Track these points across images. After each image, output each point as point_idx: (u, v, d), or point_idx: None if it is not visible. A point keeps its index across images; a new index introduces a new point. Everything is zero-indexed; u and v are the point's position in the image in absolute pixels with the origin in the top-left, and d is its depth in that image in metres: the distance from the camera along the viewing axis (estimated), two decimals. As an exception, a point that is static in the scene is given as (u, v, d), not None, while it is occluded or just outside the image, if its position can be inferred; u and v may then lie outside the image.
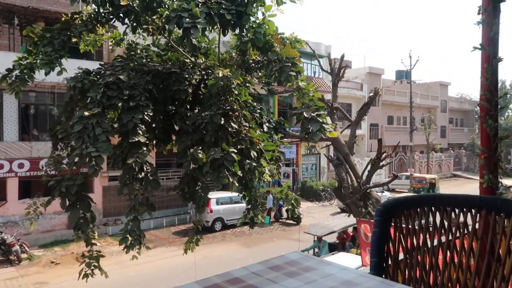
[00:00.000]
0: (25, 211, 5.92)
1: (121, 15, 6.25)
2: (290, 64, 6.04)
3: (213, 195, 18.45)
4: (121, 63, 6.32)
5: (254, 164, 5.96)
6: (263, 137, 6.41)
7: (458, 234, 1.63)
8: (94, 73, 6.29)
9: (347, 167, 10.13)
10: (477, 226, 1.62)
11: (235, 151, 5.47)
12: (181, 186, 6.37)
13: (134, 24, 6.61)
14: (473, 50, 2.73)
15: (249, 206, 7.31)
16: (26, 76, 5.97)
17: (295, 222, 20.64)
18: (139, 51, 7.42)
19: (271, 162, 6.89)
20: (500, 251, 1.54)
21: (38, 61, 5.87)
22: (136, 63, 6.54)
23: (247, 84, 6.90)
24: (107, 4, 6.10)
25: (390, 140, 34.61)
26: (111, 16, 6.37)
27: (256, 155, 6.05)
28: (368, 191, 9.59)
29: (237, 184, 6.24)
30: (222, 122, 5.72)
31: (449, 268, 1.61)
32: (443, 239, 1.64)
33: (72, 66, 6.90)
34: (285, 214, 21.25)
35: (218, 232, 19.04)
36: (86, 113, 5.15)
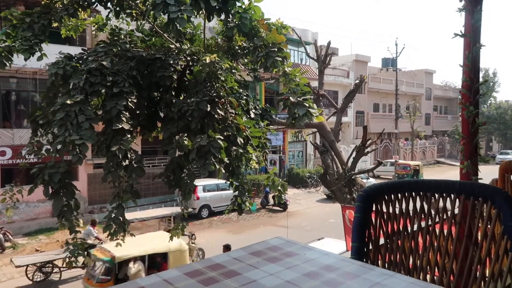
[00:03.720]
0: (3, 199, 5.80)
1: (103, -1, 6.11)
2: (276, 50, 6.01)
3: (200, 182, 18.44)
4: (104, 49, 6.19)
5: (241, 150, 5.96)
6: (249, 123, 6.40)
7: (437, 219, 1.66)
8: (76, 58, 6.15)
9: (333, 154, 10.22)
10: (456, 211, 1.66)
11: (222, 138, 5.46)
12: (167, 173, 6.34)
13: (117, 8, 6.46)
14: (453, 37, 2.75)
15: (236, 193, 7.33)
16: (4, 60, 5.80)
17: (281, 209, 20.82)
18: (122, 37, 7.27)
19: (258, 149, 6.90)
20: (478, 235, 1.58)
21: (17, 45, 5.70)
22: (119, 48, 6.41)
23: (233, 71, 6.85)
24: (89, -13, 5.95)
25: (376, 127, 34.97)
26: (93, 0, 6.21)
27: (242, 141, 6.04)
28: (353, 177, 9.71)
29: (223, 171, 6.24)
30: (208, 109, 5.68)
31: (428, 252, 1.64)
32: (423, 224, 1.67)
33: (53, 51, 6.73)
34: (271, 201, 21.40)
35: (205, 219, 19.10)
36: (68, 101, 5.05)
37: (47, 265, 11.65)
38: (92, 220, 13.30)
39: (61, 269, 11.63)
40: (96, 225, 13.02)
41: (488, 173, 2.84)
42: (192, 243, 12.92)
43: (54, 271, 11.78)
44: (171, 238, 7.44)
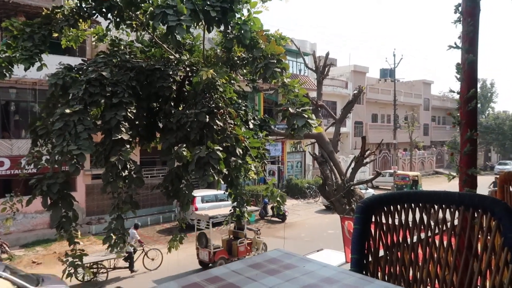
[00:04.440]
0: (3, 209, 5.77)
1: (104, 10, 6.15)
2: (275, 61, 6.05)
3: (198, 193, 18.37)
4: (104, 59, 6.22)
5: (240, 161, 5.96)
6: (248, 134, 6.41)
7: (437, 231, 1.65)
8: (76, 69, 6.18)
9: (332, 164, 10.21)
10: (456, 222, 1.65)
11: (221, 149, 5.46)
12: (165, 184, 6.32)
13: (118, 19, 6.51)
14: (448, 49, 2.78)
15: (235, 204, 7.30)
16: (4, 70, 5.82)
17: (280, 220, 20.72)
18: (122, 47, 7.31)
19: (256, 160, 6.90)
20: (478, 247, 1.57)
21: (18, 55, 5.73)
22: (119, 59, 6.45)
23: (232, 81, 6.88)
24: (89, -1, 6.00)
25: (374, 137, 35.02)
26: (94, 11, 6.26)
27: (241, 152, 6.05)
28: (352, 188, 9.68)
29: (222, 182, 6.23)
30: (207, 119, 5.70)
31: (428, 264, 1.63)
32: (423, 235, 1.66)
33: (53, 62, 6.76)
34: (270, 212, 21.32)
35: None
36: (67, 110, 5.05)
37: (95, 265, 12.28)
38: (135, 224, 14.59)
39: (108, 269, 12.55)
40: (138, 228, 14.45)
41: (484, 184, 2.84)
42: (258, 237, 15.10)
43: (101, 271, 12.54)
44: (169, 250, 7.38)
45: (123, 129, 5.46)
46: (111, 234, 5.55)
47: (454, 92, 2.81)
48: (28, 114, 17.30)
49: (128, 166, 5.47)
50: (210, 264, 13.59)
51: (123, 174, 5.40)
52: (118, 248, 5.67)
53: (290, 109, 5.84)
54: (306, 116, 5.79)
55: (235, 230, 15.08)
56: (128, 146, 5.59)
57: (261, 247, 15.02)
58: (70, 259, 5.83)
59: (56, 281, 9.93)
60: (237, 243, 14.44)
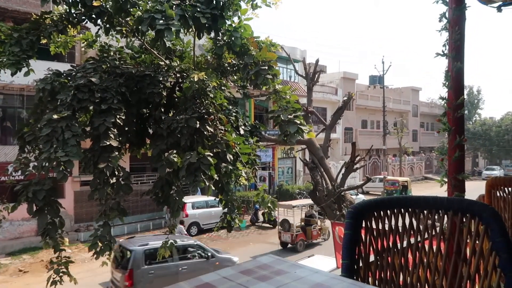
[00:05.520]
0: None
1: (93, 16, 6.12)
2: (266, 68, 6.07)
3: (189, 199, 18.28)
4: (93, 65, 6.17)
5: (231, 167, 5.94)
6: (239, 140, 6.40)
7: (426, 235, 1.66)
8: (64, 75, 6.12)
9: (322, 170, 10.24)
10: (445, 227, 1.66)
11: (211, 154, 5.43)
12: (155, 190, 6.26)
13: (107, 25, 6.48)
14: (436, 56, 2.83)
15: (226, 210, 7.26)
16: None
17: (271, 226, 20.68)
18: (112, 53, 7.27)
19: (247, 166, 6.88)
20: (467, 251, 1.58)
21: (4, 60, 5.65)
22: (108, 65, 6.40)
23: (223, 88, 6.88)
24: (79, 5, 5.96)
25: (364, 143, 35.31)
26: (83, 17, 6.22)
27: (232, 158, 6.03)
28: (342, 194, 9.72)
29: (213, 188, 6.20)
30: (198, 125, 5.67)
31: (418, 268, 1.64)
32: (413, 240, 1.67)
33: (42, 68, 6.69)
34: (261, 218, 21.27)
35: (194, 237, 18.83)
36: (55, 116, 4.99)
37: None
38: (181, 220, 16.06)
39: None
40: (183, 224, 16.04)
41: (473, 190, 2.88)
42: (323, 224, 17.56)
43: None
44: (159, 256, 7.30)
45: (112, 135, 5.41)
46: (97, 241, 5.48)
47: (444, 99, 2.85)
48: (15, 120, 17.07)
49: (117, 173, 5.42)
50: (289, 245, 16.67)
51: (111, 181, 5.35)
52: (104, 255, 5.59)
53: (281, 116, 5.86)
54: (298, 122, 5.82)
55: (307, 218, 17.96)
56: (117, 152, 5.53)
57: (327, 232, 17.45)
58: (55, 266, 5.74)
59: (226, 252, 13.75)
60: (311, 228, 17.23)
